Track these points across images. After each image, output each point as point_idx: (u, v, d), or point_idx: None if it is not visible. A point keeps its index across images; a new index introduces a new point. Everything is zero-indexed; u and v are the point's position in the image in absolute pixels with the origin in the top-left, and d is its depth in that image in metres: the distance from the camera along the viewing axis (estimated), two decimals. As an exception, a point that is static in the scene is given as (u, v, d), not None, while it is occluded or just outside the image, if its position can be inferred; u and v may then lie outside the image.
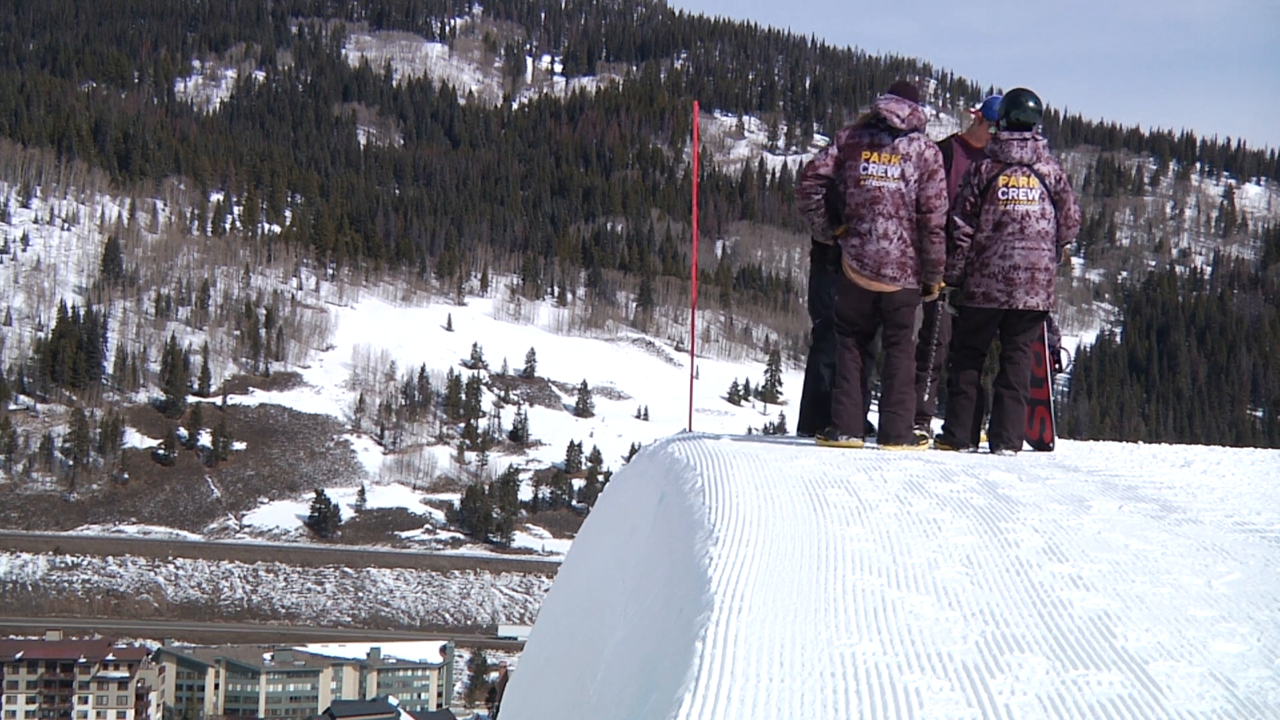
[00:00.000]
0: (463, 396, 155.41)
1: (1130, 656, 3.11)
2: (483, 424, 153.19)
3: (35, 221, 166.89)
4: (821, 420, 7.62)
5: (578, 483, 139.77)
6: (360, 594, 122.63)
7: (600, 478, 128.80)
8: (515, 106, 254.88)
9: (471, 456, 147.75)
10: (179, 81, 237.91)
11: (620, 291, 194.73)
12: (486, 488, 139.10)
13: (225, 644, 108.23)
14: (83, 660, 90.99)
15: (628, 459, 10.27)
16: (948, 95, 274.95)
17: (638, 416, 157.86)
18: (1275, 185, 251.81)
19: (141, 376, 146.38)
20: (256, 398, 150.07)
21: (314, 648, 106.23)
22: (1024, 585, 3.74)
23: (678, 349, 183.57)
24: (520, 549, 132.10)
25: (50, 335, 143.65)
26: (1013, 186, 7.21)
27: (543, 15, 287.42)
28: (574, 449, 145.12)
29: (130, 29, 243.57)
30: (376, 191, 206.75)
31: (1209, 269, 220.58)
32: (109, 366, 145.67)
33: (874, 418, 7.50)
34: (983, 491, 5.26)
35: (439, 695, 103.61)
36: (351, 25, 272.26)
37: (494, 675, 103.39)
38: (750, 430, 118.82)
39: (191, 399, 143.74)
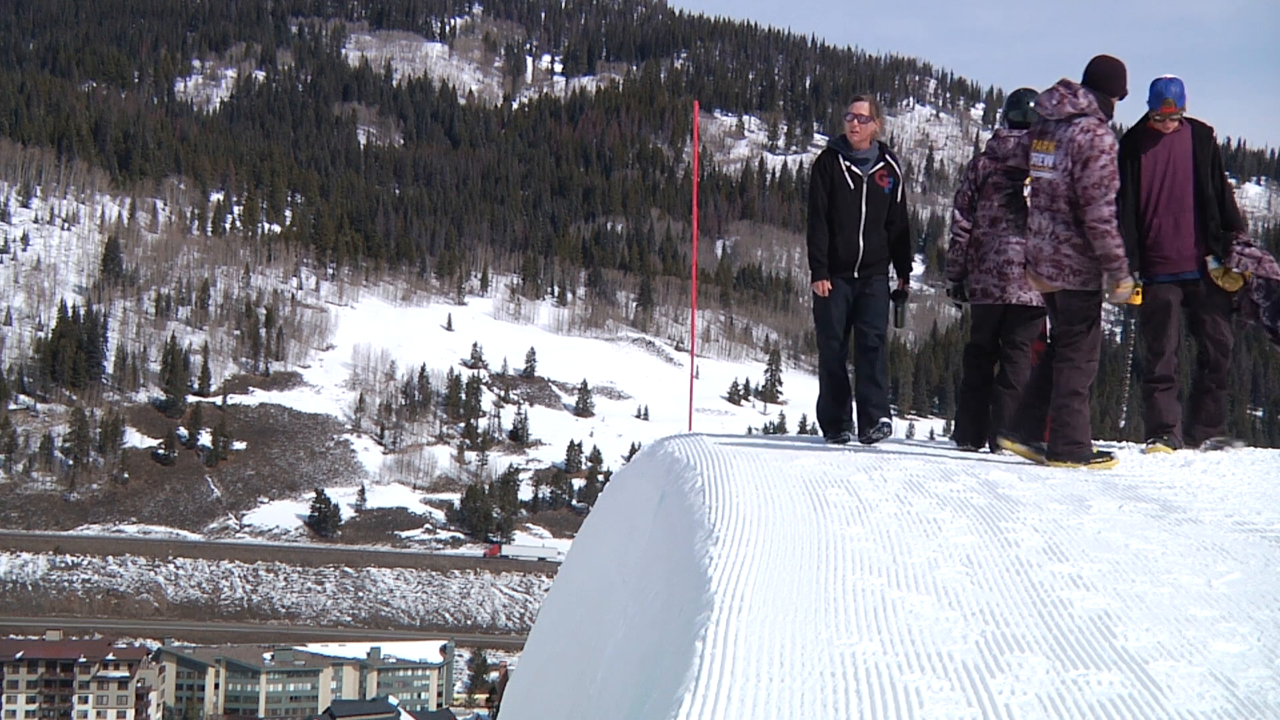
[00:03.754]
0: (463, 396, 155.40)
1: (1130, 656, 3.11)
2: (483, 424, 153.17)
3: (35, 221, 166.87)
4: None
5: (578, 483, 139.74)
6: (360, 594, 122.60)
7: (600, 478, 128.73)
8: (515, 106, 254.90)
9: (471, 456, 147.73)
10: (179, 81, 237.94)
11: (620, 291, 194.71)
12: (486, 487, 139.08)
13: (225, 644, 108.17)
14: (83, 660, 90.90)
15: (628, 459, 10.27)
16: (948, 95, 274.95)
17: (638, 416, 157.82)
18: (1275, 185, 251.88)
19: (141, 376, 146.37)
20: (256, 397, 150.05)
21: (314, 647, 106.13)
22: (1024, 585, 3.74)
23: (678, 349, 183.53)
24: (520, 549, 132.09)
25: (50, 335, 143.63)
26: None
27: (543, 15, 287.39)
28: (574, 449, 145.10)
29: (130, 29, 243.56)
30: (376, 191, 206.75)
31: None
32: (109, 366, 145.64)
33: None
34: (983, 491, 5.27)
35: (439, 695, 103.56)
36: (351, 25, 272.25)
37: (494, 675, 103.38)
38: (750, 430, 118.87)
39: (191, 399, 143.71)
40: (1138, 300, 6.63)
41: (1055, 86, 6.58)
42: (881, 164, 7.32)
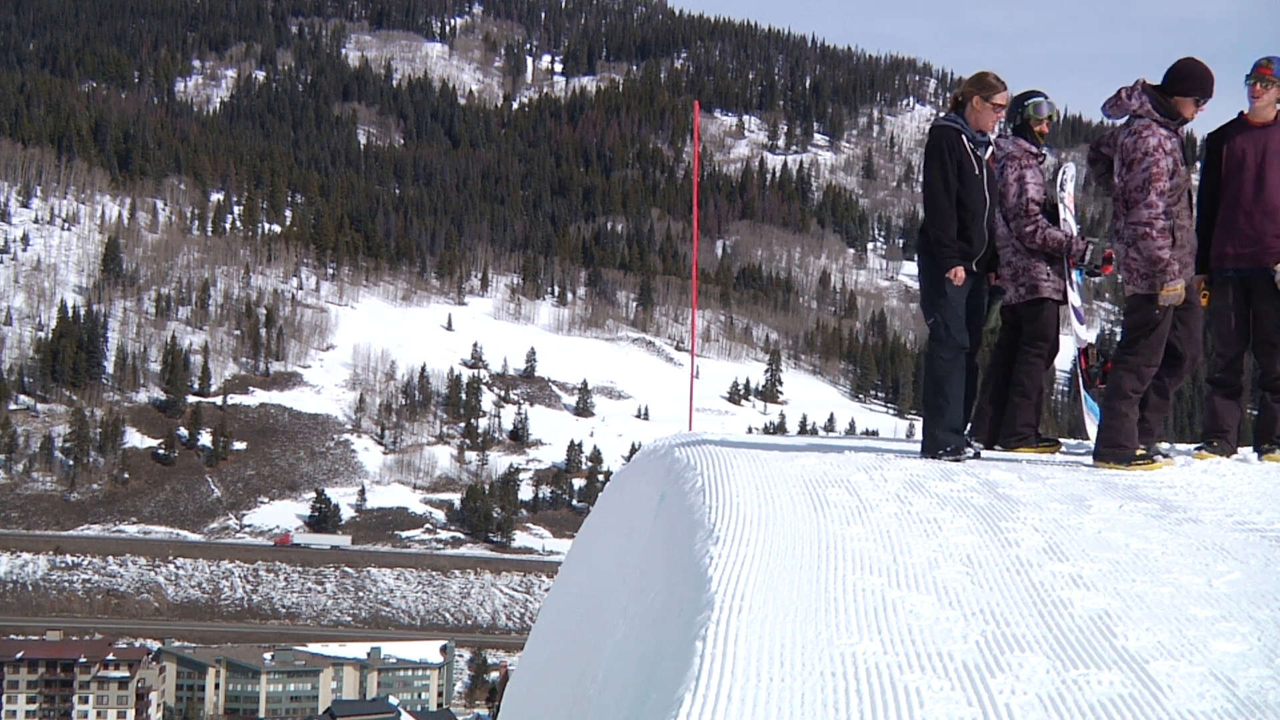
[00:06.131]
0: (463, 396, 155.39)
1: (1131, 656, 3.11)
2: (483, 424, 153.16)
3: (35, 221, 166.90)
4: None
5: (578, 482, 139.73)
6: (360, 594, 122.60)
7: (600, 478, 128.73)
8: (515, 106, 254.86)
9: (472, 456, 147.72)
10: (179, 81, 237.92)
11: (620, 291, 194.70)
12: (486, 487, 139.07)
13: (225, 644, 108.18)
14: (83, 660, 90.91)
15: (628, 459, 10.26)
16: (948, 95, 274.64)
17: (638, 416, 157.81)
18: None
19: (141, 376, 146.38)
20: (256, 397, 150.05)
21: (314, 647, 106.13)
22: (1024, 585, 3.74)
23: (678, 348, 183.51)
24: (520, 549, 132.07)
25: (50, 335, 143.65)
26: None
27: (543, 15, 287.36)
28: (574, 449, 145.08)
29: (130, 29, 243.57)
30: (376, 191, 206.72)
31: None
32: (109, 366, 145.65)
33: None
34: (983, 491, 5.26)
35: (439, 695, 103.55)
36: (351, 25, 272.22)
37: (494, 675, 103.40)
38: (750, 430, 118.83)
39: (192, 399, 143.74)
40: (1204, 301, 6.66)
41: (1116, 93, 6.49)
42: (990, 151, 6.75)
